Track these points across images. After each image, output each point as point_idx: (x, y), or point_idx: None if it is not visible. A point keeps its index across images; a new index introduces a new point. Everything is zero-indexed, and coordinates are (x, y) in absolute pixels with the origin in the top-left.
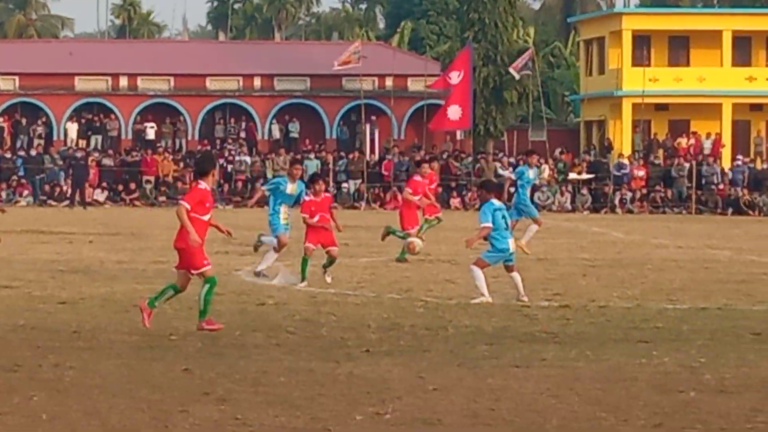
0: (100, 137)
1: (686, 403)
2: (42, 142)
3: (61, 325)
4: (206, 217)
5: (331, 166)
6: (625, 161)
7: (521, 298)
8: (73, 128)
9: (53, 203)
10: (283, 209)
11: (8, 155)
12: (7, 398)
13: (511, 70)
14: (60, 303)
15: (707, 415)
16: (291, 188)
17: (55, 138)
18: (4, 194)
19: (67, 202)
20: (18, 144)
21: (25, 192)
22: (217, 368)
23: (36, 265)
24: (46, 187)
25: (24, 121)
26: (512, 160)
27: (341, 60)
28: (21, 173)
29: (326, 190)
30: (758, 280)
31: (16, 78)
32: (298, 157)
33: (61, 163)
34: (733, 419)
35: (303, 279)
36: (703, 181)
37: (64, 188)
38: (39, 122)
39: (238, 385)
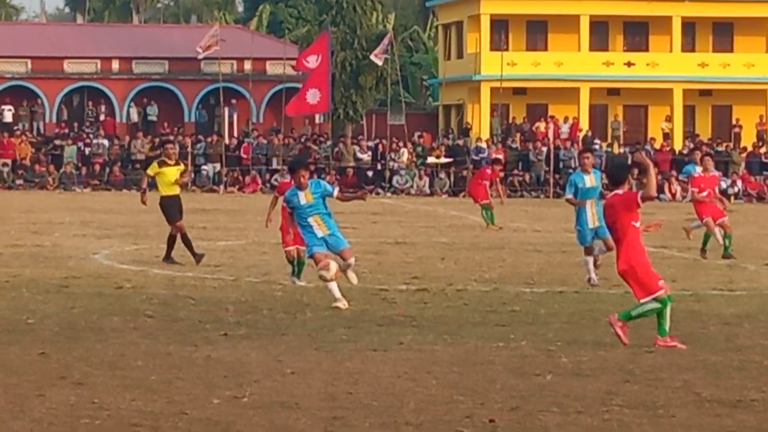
0: None
1: (543, 386)
2: None
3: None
4: None
5: (189, 149)
6: (484, 145)
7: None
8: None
9: None
10: (311, 221)
11: None
12: None
13: (372, 57)
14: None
15: (564, 398)
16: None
17: None
18: None
19: None
20: None
21: None
22: (74, 352)
23: None
24: None
25: None
26: (371, 143)
27: (204, 45)
28: None
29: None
30: (614, 264)
31: None
32: (160, 139)
33: None
34: (589, 402)
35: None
36: (561, 165)
37: None
38: None
39: (95, 369)
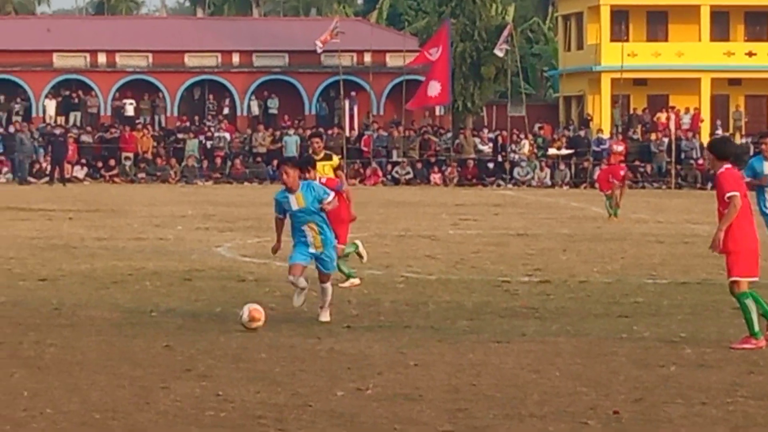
0: (79, 114)
1: (666, 378)
2: (20, 119)
3: (42, 302)
4: None
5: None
6: (605, 136)
7: None
8: (51, 105)
9: (33, 180)
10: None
11: None
12: None
13: (496, 51)
14: (40, 280)
15: (688, 390)
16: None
17: (33, 115)
18: None
19: (46, 179)
20: None
21: (5, 169)
22: (198, 344)
23: (16, 242)
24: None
25: (2, 98)
26: (491, 135)
27: (323, 39)
28: (0, 150)
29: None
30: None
31: None
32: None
33: (40, 140)
34: (714, 393)
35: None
36: (683, 156)
37: (44, 165)
38: (18, 99)
39: (219, 362)
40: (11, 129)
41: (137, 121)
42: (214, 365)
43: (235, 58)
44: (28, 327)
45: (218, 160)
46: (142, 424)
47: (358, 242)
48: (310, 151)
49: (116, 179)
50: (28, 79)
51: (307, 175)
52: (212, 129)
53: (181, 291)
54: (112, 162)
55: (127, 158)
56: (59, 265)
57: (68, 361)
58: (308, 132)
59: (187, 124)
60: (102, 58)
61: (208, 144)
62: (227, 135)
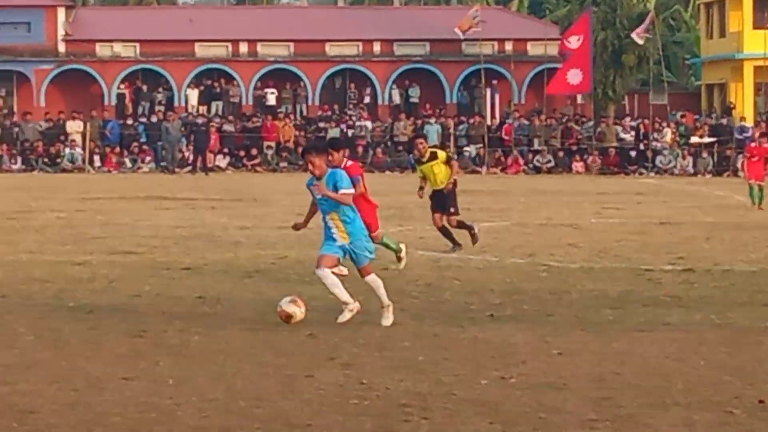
0: (221, 103)
1: None
2: (163, 108)
3: (186, 291)
4: None
5: (451, 131)
6: (748, 124)
7: None
8: (193, 94)
9: (176, 170)
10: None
11: (130, 122)
12: (133, 363)
13: (634, 36)
14: (184, 269)
15: None
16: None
17: (176, 104)
18: (128, 161)
19: (189, 169)
20: (139, 110)
21: (147, 158)
22: (341, 333)
23: (159, 231)
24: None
25: (145, 87)
26: (633, 123)
27: (461, 25)
28: (143, 140)
29: (349, 157)
30: None
31: (137, 45)
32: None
33: (182, 129)
34: None
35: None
36: None
37: (186, 155)
38: (160, 89)
39: (362, 350)
40: (153, 119)
41: (279, 111)
42: (357, 354)
43: (376, 47)
44: (172, 315)
45: (359, 149)
46: (286, 412)
47: (402, 246)
48: (416, 153)
49: (258, 168)
50: (170, 69)
51: (331, 158)
52: (353, 118)
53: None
54: (254, 151)
55: (269, 147)
56: (202, 254)
57: (213, 350)
58: (450, 121)
59: (329, 113)
60: (243, 48)
61: (350, 133)
62: (368, 124)
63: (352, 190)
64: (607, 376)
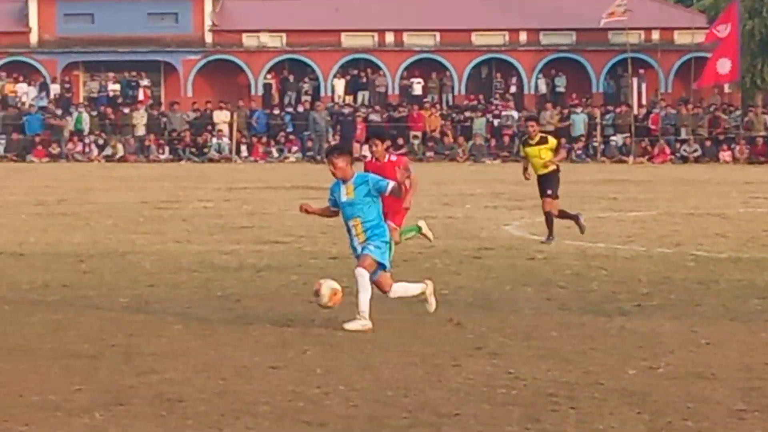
0: (367, 93)
1: None
2: (309, 98)
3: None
4: None
5: (598, 120)
6: None
7: None
8: (340, 84)
9: (322, 159)
10: (351, 226)
11: (277, 112)
12: (281, 353)
13: None
14: (331, 258)
15: None
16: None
17: (322, 94)
18: (274, 151)
19: None
20: (286, 100)
21: (294, 148)
22: (488, 322)
23: (306, 220)
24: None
25: (291, 77)
26: None
27: (608, 14)
28: (289, 129)
29: (391, 149)
30: None
31: (284, 35)
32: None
33: (328, 119)
34: None
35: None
36: None
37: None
38: (306, 79)
39: (509, 340)
40: (300, 108)
41: (425, 100)
42: (504, 343)
43: (522, 37)
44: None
45: (506, 139)
46: (434, 401)
47: (421, 223)
48: (526, 136)
49: None
50: (317, 59)
51: (375, 148)
52: (499, 107)
53: (471, 269)
54: (400, 141)
55: (415, 137)
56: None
57: (360, 339)
58: (596, 110)
59: (474, 102)
60: (390, 38)
61: (496, 122)
62: (515, 113)
63: (393, 183)
64: (756, 366)
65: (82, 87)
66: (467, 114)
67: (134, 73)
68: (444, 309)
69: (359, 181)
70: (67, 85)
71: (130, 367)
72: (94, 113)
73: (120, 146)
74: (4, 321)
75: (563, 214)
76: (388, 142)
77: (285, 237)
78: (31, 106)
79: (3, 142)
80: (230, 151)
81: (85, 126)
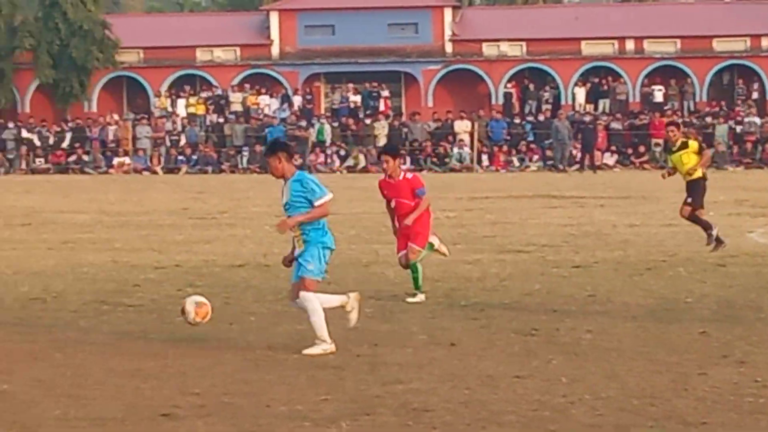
0: (607, 101)
1: None
2: (550, 107)
3: (576, 289)
4: None
5: None
6: None
7: None
8: (580, 92)
9: (565, 168)
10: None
11: (517, 121)
12: (526, 362)
13: None
14: (574, 267)
15: None
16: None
17: (562, 102)
18: (515, 160)
19: (576, 167)
20: (526, 109)
21: (535, 157)
22: (734, 331)
23: (548, 229)
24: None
25: (532, 86)
26: None
27: None
28: (530, 138)
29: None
30: None
31: (524, 44)
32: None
33: (569, 127)
34: None
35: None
36: None
37: (574, 152)
38: (547, 87)
39: (756, 348)
40: (541, 117)
41: (666, 107)
42: (750, 351)
43: (765, 42)
44: (563, 313)
45: (748, 145)
46: (680, 410)
47: (433, 239)
48: (669, 142)
49: (646, 165)
50: (557, 67)
51: (386, 165)
52: (741, 114)
53: (715, 277)
54: (641, 148)
55: (656, 144)
56: (592, 252)
57: (604, 348)
58: None
59: (716, 109)
60: (630, 45)
61: (738, 129)
62: (757, 120)
63: (327, 198)
64: None
65: (324, 98)
66: (708, 120)
67: (375, 84)
68: (689, 317)
69: (294, 179)
70: (308, 97)
71: (375, 377)
72: (336, 124)
73: (362, 157)
74: (251, 332)
75: (695, 219)
76: (401, 159)
77: (527, 246)
78: (273, 117)
79: (246, 153)
80: (471, 161)
81: (327, 137)
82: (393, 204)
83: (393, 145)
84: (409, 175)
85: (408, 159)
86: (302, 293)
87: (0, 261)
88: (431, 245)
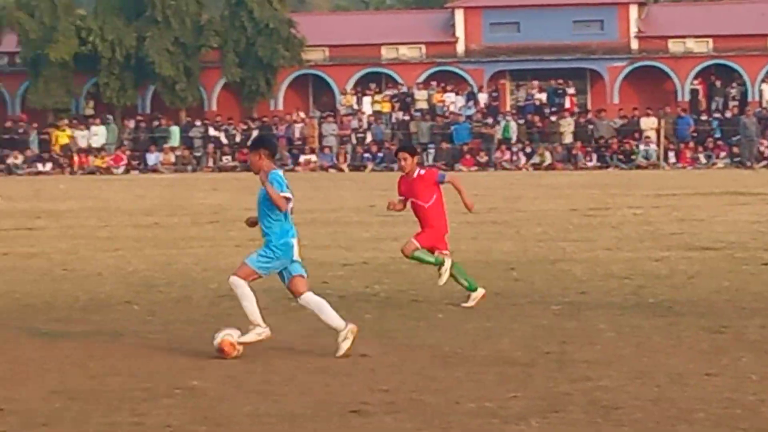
0: None
1: None
2: (737, 103)
3: (765, 287)
4: None
5: None
6: None
7: None
8: (767, 89)
9: (752, 165)
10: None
11: (704, 117)
12: (715, 359)
13: None
14: (763, 264)
15: None
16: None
17: (749, 99)
18: (702, 157)
19: (764, 163)
20: (713, 106)
21: (722, 154)
22: None
23: (736, 226)
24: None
25: (718, 83)
26: None
27: None
28: (717, 135)
29: (421, 164)
30: None
31: (710, 40)
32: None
33: (757, 124)
34: None
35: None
36: None
37: (762, 149)
38: (734, 84)
39: None
40: (728, 114)
41: None
42: None
43: None
44: (752, 311)
45: None
46: None
47: (447, 262)
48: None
49: None
50: (743, 64)
51: (403, 162)
52: None
53: None
54: None
55: None
56: None
57: None
58: None
59: None
60: None
61: None
62: None
63: (285, 194)
64: None
65: (509, 95)
66: None
67: (560, 81)
68: None
69: (269, 177)
70: (494, 94)
71: (563, 374)
72: (521, 121)
73: (547, 154)
74: (438, 329)
75: None
76: (419, 157)
77: (715, 243)
78: (458, 115)
79: (432, 151)
80: (658, 158)
81: (513, 134)
82: (409, 203)
83: (410, 144)
84: (423, 171)
85: (594, 156)
86: (230, 278)
87: (188, 258)
88: (439, 260)
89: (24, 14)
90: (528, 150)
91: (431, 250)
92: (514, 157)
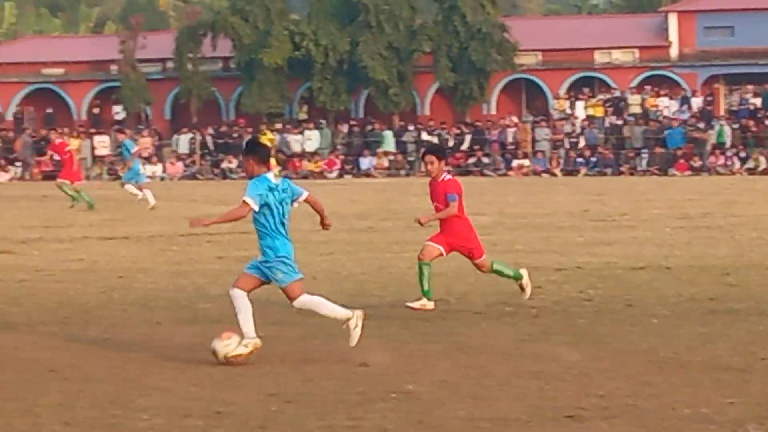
0: None
1: None
2: None
3: None
4: None
5: None
6: None
7: None
8: None
9: None
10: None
11: None
12: None
13: None
14: None
15: None
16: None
17: None
18: None
19: None
20: None
21: None
22: None
23: None
24: None
25: None
26: None
27: None
28: None
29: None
30: None
31: None
32: None
33: None
34: None
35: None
36: None
37: None
38: None
39: None
40: None
41: None
42: None
43: None
44: None
45: None
46: None
47: (524, 272)
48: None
49: None
50: None
51: (430, 166)
52: None
53: None
54: None
55: None
56: None
57: None
58: None
59: None
60: None
61: None
62: None
63: (245, 199)
64: None
65: (723, 100)
66: None
67: None
68: None
69: (250, 182)
70: (708, 98)
71: None
72: (736, 126)
73: (762, 159)
74: (653, 334)
75: None
76: (446, 161)
77: None
78: (672, 119)
79: (645, 155)
80: None
81: (727, 139)
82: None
83: (439, 146)
84: (447, 177)
85: None
86: (231, 290)
87: (403, 262)
88: (520, 275)
89: (238, 19)
90: (742, 154)
91: (451, 250)
92: (728, 162)
